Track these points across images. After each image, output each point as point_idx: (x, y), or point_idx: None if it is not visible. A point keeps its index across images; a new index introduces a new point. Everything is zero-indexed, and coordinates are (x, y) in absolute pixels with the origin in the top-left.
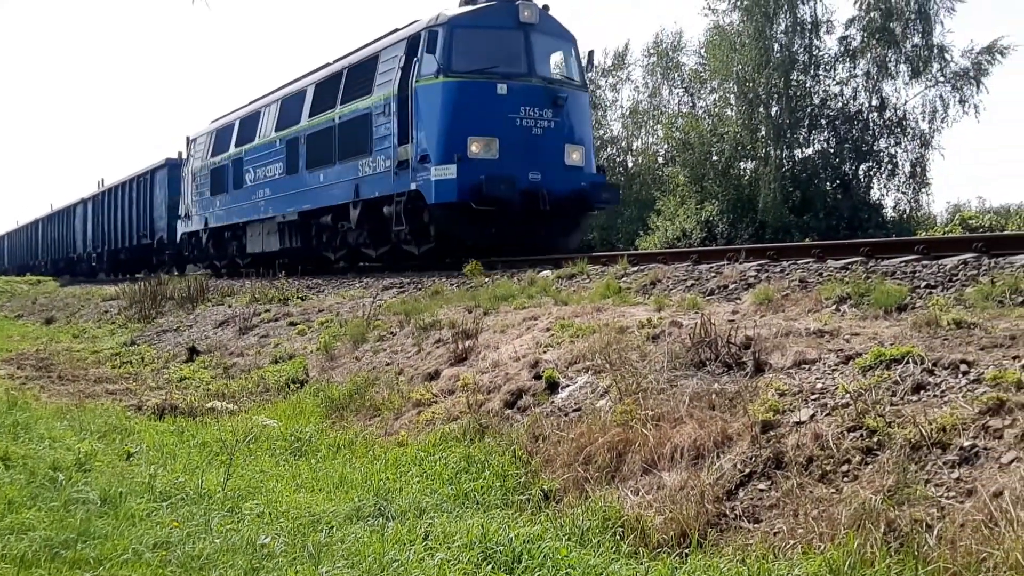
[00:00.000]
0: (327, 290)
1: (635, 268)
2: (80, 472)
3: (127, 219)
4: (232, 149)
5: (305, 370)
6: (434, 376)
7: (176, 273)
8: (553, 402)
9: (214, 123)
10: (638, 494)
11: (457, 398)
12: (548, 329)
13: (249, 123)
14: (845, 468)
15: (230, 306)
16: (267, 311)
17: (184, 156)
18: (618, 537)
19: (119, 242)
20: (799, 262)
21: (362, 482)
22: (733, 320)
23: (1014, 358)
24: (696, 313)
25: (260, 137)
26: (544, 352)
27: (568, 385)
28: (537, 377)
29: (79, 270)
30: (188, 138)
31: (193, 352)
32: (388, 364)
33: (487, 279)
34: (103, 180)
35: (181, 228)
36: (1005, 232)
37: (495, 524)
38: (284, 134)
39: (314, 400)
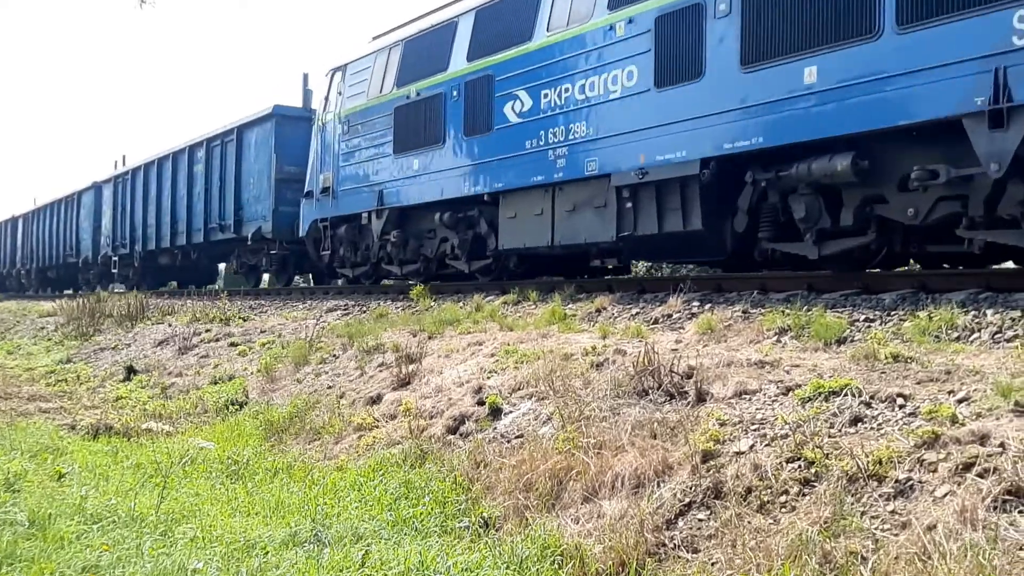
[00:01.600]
0: (270, 311)
1: (581, 295)
2: (8, 492)
3: (183, 205)
4: (461, 65)
5: (245, 392)
6: (376, 400)
7: (282, 284)
8: (496, 428)
9: (382, 37)
10: (578, 522)
11: (399, 423)
12: (493, 355)
13: (505, 14)
14: (783, 499)
15: (170, 325)
16: (208, 331)
17: (322, 99)
18: (557, 566)
19: (166, 239)
20: (742, 293)
21: (299, 507)
22: (676, 349)
23: (949, 392)
24: (640, 341)
25: (550, 29)
26: (488, 378)
27: (511, 411)
28: (480, 403)
29: (84, 280)
30: (313, 75)
31: (131, 371)
32: (330, 387)
33: (433, 303)
34: (124, 159)
35: (311, 213)
36: (941, 269)
37: (433, 551)
38: (645, 6)
39: (253, 422)
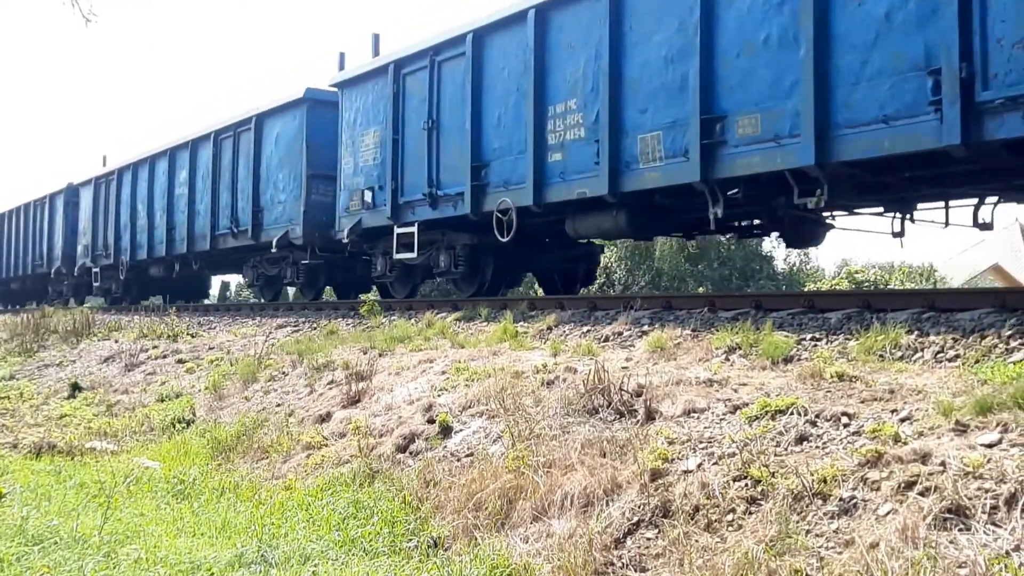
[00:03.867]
0: (219, 327)
1: (533, 312)
2: None
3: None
4: None
5: (192, 409)
6: (326, 418)
7: None
8: (446, 447)
9: None
10: (527, 542)
11: (348, 441)
12: (444, 372)
13: None
14: (730, 517)
15: (117, 341)
16: (155, 347)
17: None
18: None
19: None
20: (692, 311)
21: (246, 527)
22: (626, 367)
23: (892, 411)
24: (591, 359)
25: None
26: (439, 396)
27: (462, 430)
28: (431, 421)
29: (261, 279)
30: None
31: (75, 388)
32: (279, 405)
33: (384, 319)
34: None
35: None
36: (887, 288)
37: (381, 572)
38: None
39: (200, 441)
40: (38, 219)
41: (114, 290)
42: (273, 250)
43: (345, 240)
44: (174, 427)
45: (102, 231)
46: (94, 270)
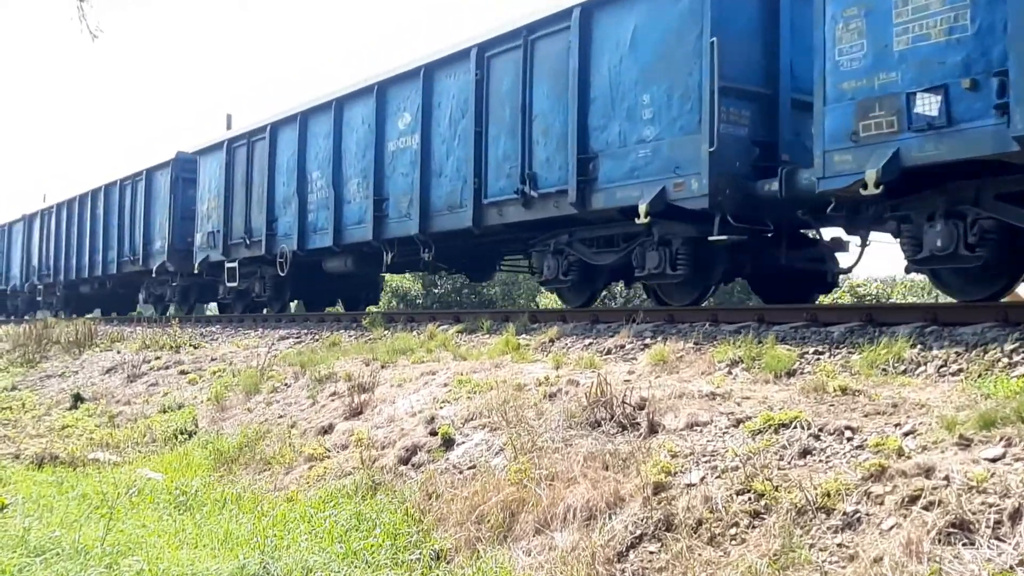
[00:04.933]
0: (221, 338)
1: (535, 325)
2: None
3: None
4: None
5: (194, 420)
6: (328, 430)
7: None
8: (448, 459)
9: None
10: (530, 555)
11: (350, 453)
12: (446, 384)
13: None
14: (733, 531)
15: (119, 352)
16: (158, 358)
17: None
18: None
19: None
20: (694, 324)
21: (248, 539)
22: (629, 380)
23: (896, 425)
24: (593, 372)
25: None
26: (441, 408)
27: (464, 442)
28: (433, 433)
29: None
30: None
31: (78, 399)
32: (281, 416)
33: (386, 331)
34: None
35: None
36: (890, 302)
37: None
38: None
39: (202, 452)
40: (128, 203)
41: (257, 293)
42: (642, 219)
43: (868, 190)
44: (176, 438)
45: (242, 212)
46: (227, 266)
